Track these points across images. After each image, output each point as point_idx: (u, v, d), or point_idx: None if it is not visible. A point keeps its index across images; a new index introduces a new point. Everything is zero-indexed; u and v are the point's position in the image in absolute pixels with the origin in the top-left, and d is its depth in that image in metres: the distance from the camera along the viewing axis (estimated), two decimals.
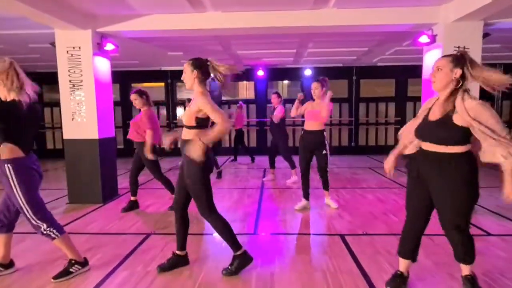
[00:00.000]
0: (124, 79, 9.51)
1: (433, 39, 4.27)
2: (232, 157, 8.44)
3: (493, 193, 4.75)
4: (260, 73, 8.89)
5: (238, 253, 2.46)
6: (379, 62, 8.52)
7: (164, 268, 2.53)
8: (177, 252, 2.58)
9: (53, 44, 4.37)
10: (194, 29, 4.43)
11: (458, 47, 4.13)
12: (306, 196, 4.12)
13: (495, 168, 1.85)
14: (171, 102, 9.72)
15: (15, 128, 2.23)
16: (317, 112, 3.90)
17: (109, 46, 4.50)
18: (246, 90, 11.01)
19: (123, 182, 5.72)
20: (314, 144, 3.99)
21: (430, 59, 4.45)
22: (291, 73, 9.29)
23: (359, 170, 6.88)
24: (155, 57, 7.50)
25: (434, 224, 2.22)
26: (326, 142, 3.99)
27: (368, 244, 3.02)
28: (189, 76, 2.35)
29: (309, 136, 4.02)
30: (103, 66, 4.63)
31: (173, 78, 9.57)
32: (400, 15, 4.21)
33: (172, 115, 9.75)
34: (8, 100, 2.21)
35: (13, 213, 2.42)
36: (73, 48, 4.30)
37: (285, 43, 6.22)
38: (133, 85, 9.77)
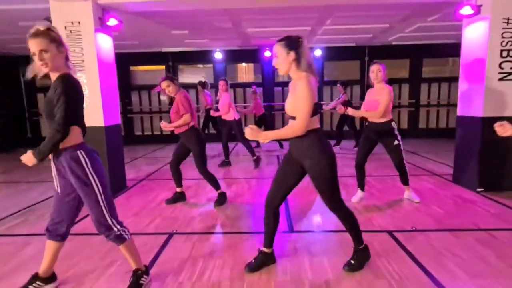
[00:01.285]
0: (122, 61, 8.82)
1: (477, 10, 3.82)
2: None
3: None
4: (267, 54, 8.36)
5: (361, 247, 2.29)
6: (394, 41, 8.04)
7: (252, 267, 2.28)
8: (264, 249, 2.33)
9: (48, 19, 3.81)
10: (204, 1, 3.92)
11: (508, 19, 3.69)
12: (362, 186, 3.78)
13: None
14: None
15: (77, 107, 1.86)
16: (376, 102, 3.41)
17: (112, 21, 3.98)
18: (245, 73, 10.49)
19: (129, 173, 5.29)
20: (380, 134, 3.54)
21: (472, 33, 4.01)
22: None
23: (377, 156, 6.51)
24: (156, 36, 6.93)
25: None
26: (396, 132, 3.48)
27: (424, 243, 2.66)
28: (284, 59, 1.98)
29: (374, 126, 3.54)
30: (106, 44, 4.11)
31: (174, 60, 9.00)
32: None
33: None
34: (61, 73, 1.81)
35: (74, 216, 2.06)
36: (72, 23, 3.77)
37: (301, 19, 5.71)
38: (131, 68, 9.21)
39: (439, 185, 4.34)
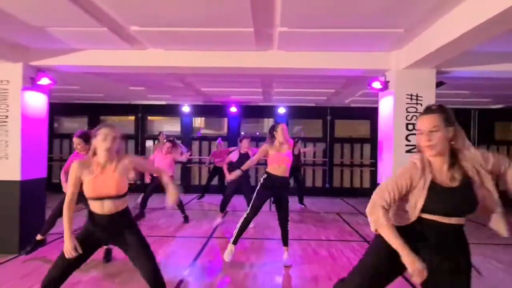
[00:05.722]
0: (92, 111, 9.24)
1: (385, 85, 4.05)
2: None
3: None
4: (233, 109, 8.69)
5: None
6: (351, 103, 8.36)
7: None
8: None
9: None
10: (135, 66, 4.17)
11: (411, 95, 3.90)
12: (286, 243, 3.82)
13: None
14: (140, 135, 9.39)
15: None
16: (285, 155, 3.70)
17: (44, 81, 4.21)
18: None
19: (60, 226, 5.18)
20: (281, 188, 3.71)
21: (384, 106, 4.21)
22: (265, 111, 9.09)
23: (326, 216, 6.42)
24: (118, 90, 7.26)
25: None
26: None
27: None
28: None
29: (278, 180, 3.69)
30: (37, 101, 4.30)
31: (144, 112, 9.33)
32: (350, 60, 4.00)
33: (141, 149, 9.39)
34: None
35: None
36: (1, 81, 4.01)
37: (248, 82, 6.02)
38: (102, 118, 9.50)
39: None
